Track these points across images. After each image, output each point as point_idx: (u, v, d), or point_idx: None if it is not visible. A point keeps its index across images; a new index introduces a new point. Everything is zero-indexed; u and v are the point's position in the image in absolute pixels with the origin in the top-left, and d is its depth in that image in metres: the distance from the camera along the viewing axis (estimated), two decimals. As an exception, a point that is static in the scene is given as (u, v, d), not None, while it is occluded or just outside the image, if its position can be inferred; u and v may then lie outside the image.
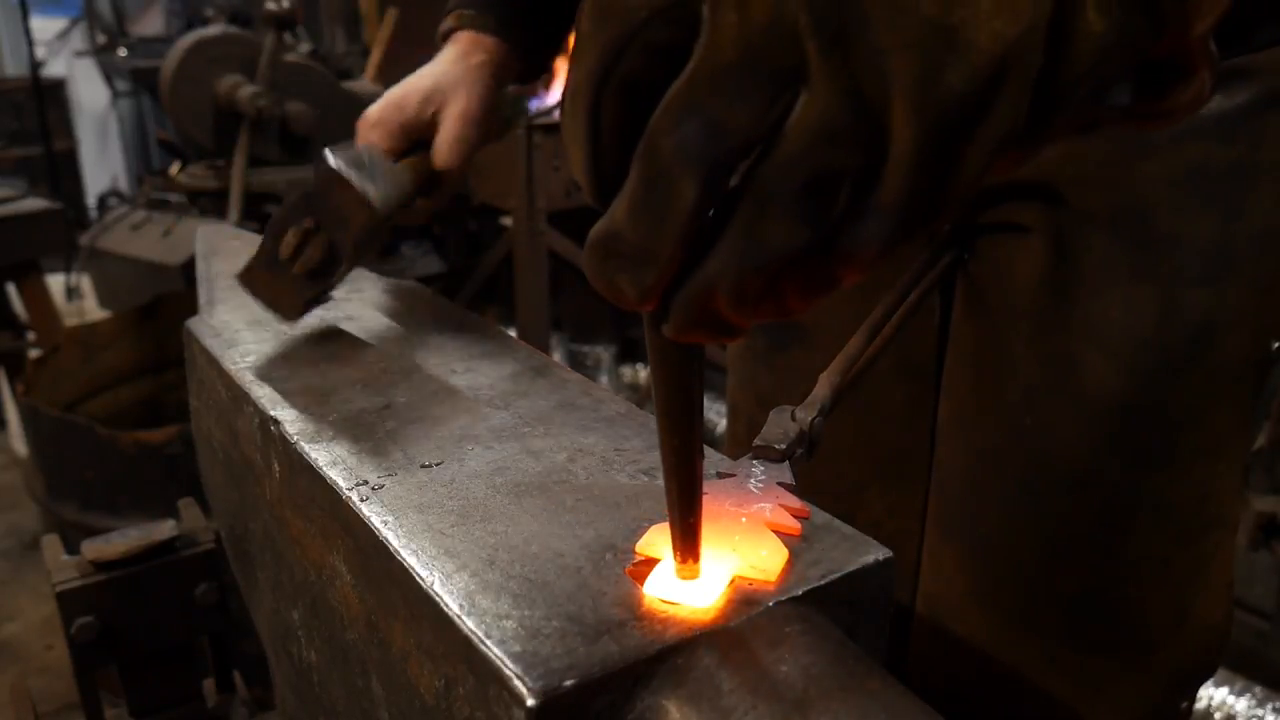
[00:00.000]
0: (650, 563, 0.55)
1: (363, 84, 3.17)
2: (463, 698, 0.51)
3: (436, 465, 0.67)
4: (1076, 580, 0.80)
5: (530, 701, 0.46)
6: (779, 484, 0.63)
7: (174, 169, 3.18)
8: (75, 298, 4.35)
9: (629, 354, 3.63)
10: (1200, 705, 1.86)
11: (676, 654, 0.49)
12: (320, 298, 0.92)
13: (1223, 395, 0.76)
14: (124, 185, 6.76)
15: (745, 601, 0.52)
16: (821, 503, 0.61)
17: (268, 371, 0.83)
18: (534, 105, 3.75)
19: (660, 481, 0.51)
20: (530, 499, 0.63)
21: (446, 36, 0.97)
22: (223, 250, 1.17)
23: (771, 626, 0.51)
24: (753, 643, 0.50)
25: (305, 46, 3.38)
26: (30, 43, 5.22)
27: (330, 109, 2.92)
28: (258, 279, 0.91)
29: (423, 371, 0.83)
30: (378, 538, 0.59)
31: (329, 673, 0.72)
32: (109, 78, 6.68)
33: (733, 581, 0.54)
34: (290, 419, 0.74)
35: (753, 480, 0.63)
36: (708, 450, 0.64)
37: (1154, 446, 0.76)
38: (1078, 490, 0.78)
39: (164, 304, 2.70)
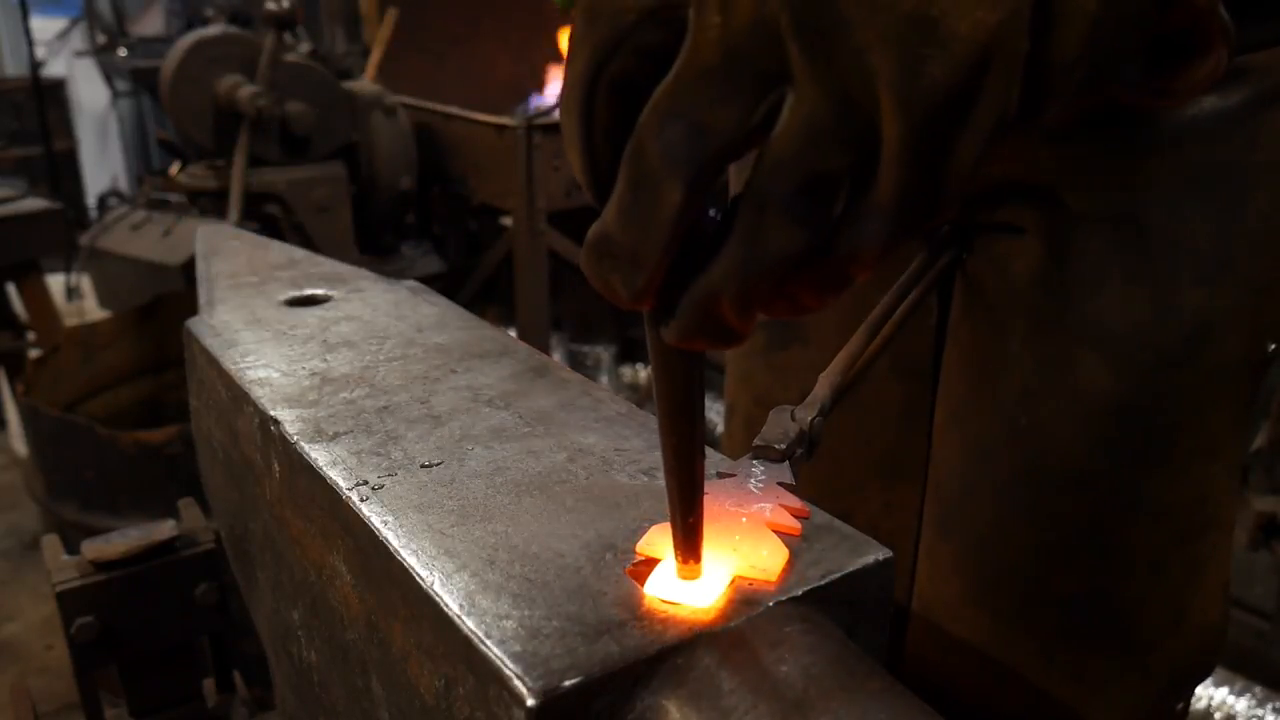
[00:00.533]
0: (650, 563, 0.55)
1: (363, 84, 3.17)
2: (463, 698, 0.51)
3: (436, 465, 0.67)
4: (1072, 580, 0.79)
5: (530, 701, 0.46)
6: (779, 484, 0.63)
7: (174, 169, 3.18)
8: (75, 298, 4.35)
9: (629, 354, 3.63)
10: (1200, 705, 1.86)
11: (676, 654, 0.49)
12: None
13: (1219, 396, 0.76)
14: (124, 185, 6.76)
15: (745, 601, 0.52)
16: (818, 501, 0.61)
17: (268, 371, 0.83)
18: (533, 105, 3.76)
19: (660, 481, 0.51)
20: (530, 499, 0.63)
21: None
22: (223, 250, 1.17)
23: (772, 626, 0.51)
24: (753, 643, 0.50)
25: (305, 46, 3.38)
26: (30, 43, 5.22)
27: (330, 109, 2.92)
28: None
29: (422, 372, 0.83)
30: (378, 538, 0.59)
31: (329, 673, 0.72)
32: (109, 78, 6.68)
33: (733, 581, 0.54)
34: (290, 419, 0.74)
35: (753, 480, 0.63)
36: (708, 450, 0.64)
37: (1150, 447, 0.76)
38: (1073, 490, 0.78)
39: (164, 304, 2.70)
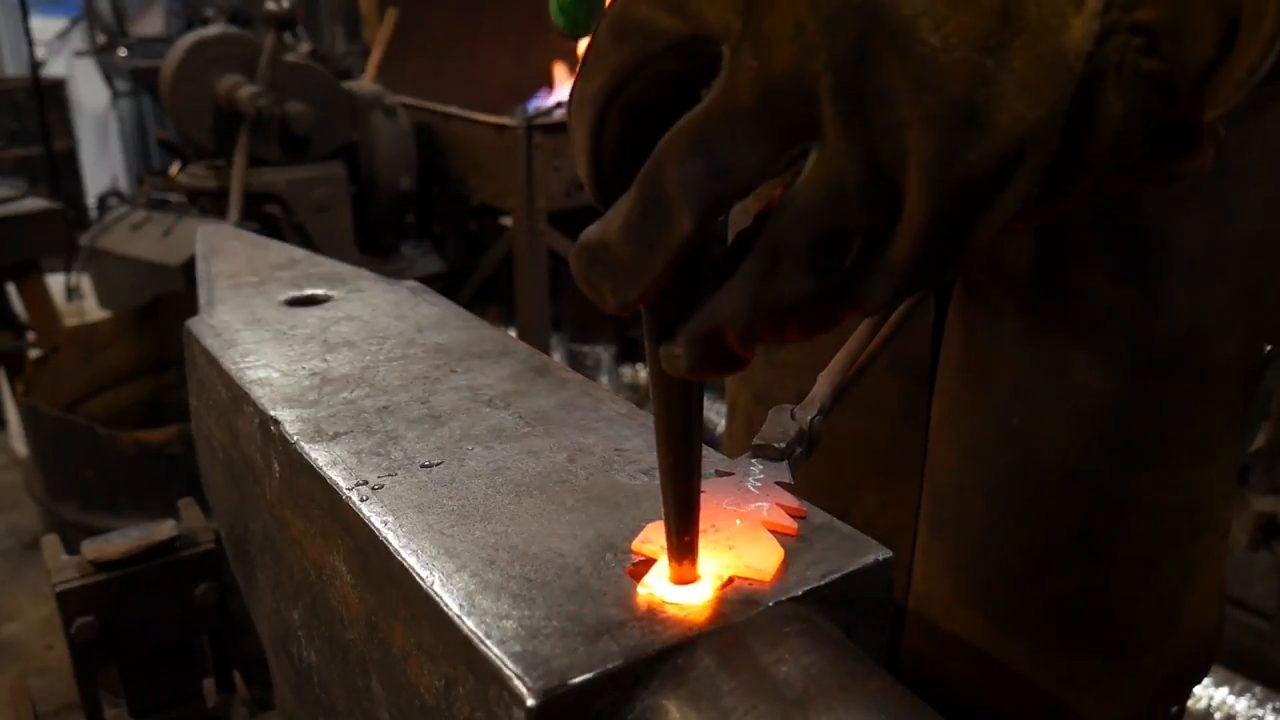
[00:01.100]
0: (650, 562, 0.55)
1: (363, 84, 3.17)
2: (463, 698, 0.51)
3: (436, 465, 0.67)
4: (1064, 581, 0.79)
5: (530, 701, 0.46)
6: (777, 483, 0.63)
7: (174, 169, 3.18)
8: (75, 298, 4.35)
9: (629, 354, 3.63)
10: (1200, 705, 1.86)
11: (676, 654, 0.49)
12: None
13: (1213, 398, 0.76)
14: (124, 185, 6.76)
15: (745, 601, 0.52)
16: (816, 498, 0.61)
17: (268, 371, 0.83)
18: (533, 105, 3.76)
19: (660, 481, 0.51)
20: (530, 499, 0.63)
21: None
22: (223, 250, 1.17)
23: (771, 626, 0.51)
24: (752, 643, 0.50)
25: (305, 46, 3.37)
26: (30, 43, 5.22)
27: (330, 109, 2.92)
28: None
29: (423, 372, 0.83)
30: (378, 538, 0.59)
31: (329, 673, 0.72)
32: (109, 78, 6.68)
33: (728, 581, 0.54)
34: (290, 419, 0.74)
35: (751, 479, 0.63)
36: (707, 450, 0.64)
37: (1143, 447, 0.76)
38: (1065, 490, 0.78)
39: (164, 304, 2.70)
